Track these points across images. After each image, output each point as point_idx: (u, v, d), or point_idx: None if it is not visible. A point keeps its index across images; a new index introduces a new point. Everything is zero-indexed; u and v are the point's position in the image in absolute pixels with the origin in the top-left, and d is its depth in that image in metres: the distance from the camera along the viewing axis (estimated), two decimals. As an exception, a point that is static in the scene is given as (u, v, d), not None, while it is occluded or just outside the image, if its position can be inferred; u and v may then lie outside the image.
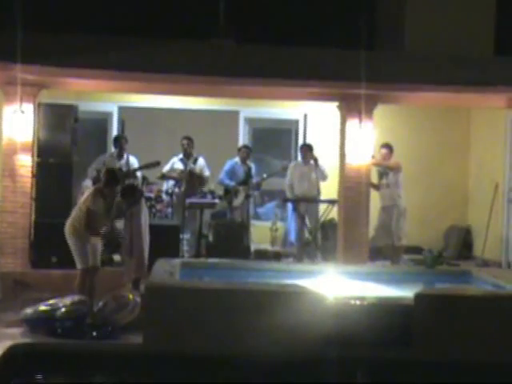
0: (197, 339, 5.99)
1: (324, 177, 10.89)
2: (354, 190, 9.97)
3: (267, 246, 11.20)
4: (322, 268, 8.40)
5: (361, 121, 9.87)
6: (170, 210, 10.72)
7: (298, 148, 11.57)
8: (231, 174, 11.04)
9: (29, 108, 9.32)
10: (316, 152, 11.01)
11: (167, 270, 6.92)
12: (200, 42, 10.74)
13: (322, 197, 10.97)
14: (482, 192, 11.73)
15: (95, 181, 10.08)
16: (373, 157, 10.23)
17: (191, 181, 10.57)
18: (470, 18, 11.95)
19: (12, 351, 5.90)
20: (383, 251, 10.62)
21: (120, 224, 8.60)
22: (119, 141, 10.60)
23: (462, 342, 6.09)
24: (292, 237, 11.76)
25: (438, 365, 5.90)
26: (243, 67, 9.83)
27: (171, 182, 10.82)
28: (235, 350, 5.89)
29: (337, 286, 7.41)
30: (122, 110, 12.01)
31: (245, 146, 11.44)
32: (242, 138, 12.34)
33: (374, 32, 13.03)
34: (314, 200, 10.83)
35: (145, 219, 8.63)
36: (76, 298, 7.46)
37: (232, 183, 10.92)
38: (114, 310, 7.29)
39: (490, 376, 5.87)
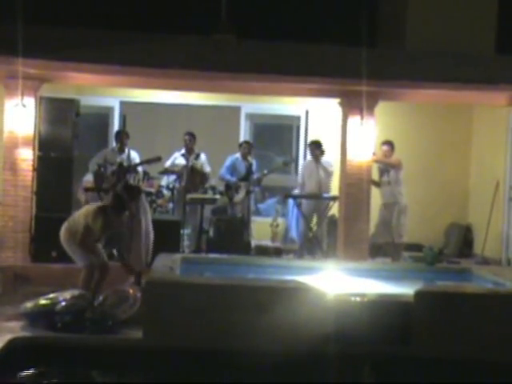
0: (196, 334, 6.00)
1: (328, 173, 10.86)
2: (355, 186, 9.96)
3: (268, 242, 11.19)
4: (323, 264, 8.40)
5: (362, 118, 9.86)
6: (170, 205, 10.72)
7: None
8: (232, 169, 11.03)
9: (30, 102, 9.32)
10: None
11: (168, 265, 6.93)
12: (201, 37, 10.72)
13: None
14: (483, 190, 11.73)
15: (96, 175, 10.10)
16: (374, 154, 10.22)
17: (192, 176, 10.57)
18: (472, 15, 11.94)
19: (12, 345, 5.90)
20: (384, 248, 10.63)
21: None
22: (120, 135, 10.60)
23: (461, 340, 6.10)
24: (293, 233, 11.76)
25: (438, 362, 5.91)
26: (245, 63, 9.82)
27: (172, 177, 10.82)
28: (235, 346, 5.90)
29: (337, 282, 7.42)
30: (123, 104, 12.01)
31: (246, 142, 11.44)
32: (243, 134, 12.34)
33: (376, 29, 13.01)
34: (314, 197, 10.81)
35: (146, 218, 8.58)
36: (76, 292, 7.45)
37: (233, 179, 10.92)
38: (114, 304, 7.28)
39: (489, 373, 5.87)
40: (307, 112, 12.25)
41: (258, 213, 12.27)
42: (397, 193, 10.46)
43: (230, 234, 10.23)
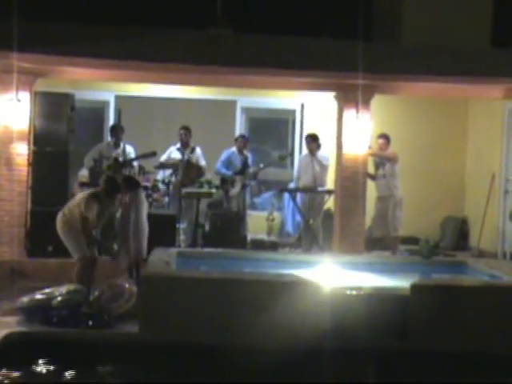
0: (192, 329, 6.00)
1: (324, 167, 10.84)
2: (350, 179, 9.96)
3: (264, 236, 11.19)
4: (319, 258, 8.40)
5: (358, 111, 9.85)
6: (166, 199, 10.71)
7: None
8: (228, 163, 11.02)
9: (25, 96, 9.29)
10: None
11: (163, 260, 6.92)
12: (197, 31, 10.70)
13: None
14: (479, 182, 11.74)
15: (92, 170, 10.08)
16: (370, 147, 10.23)
17: (188, 170, 10.55)
18: (467, 9, 11.91)
19: (8, 339, 5.90)
20: (381, 242, 10.63)
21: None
22: (116, 130, 10.57)
23: (458, 333, 6.10)
24: (289, 227, 11.76)
25: (435, 355, 5.91)
26: (240, 57, 9.81)
27: (167, 172, 10.81)
28: (231, 340, 5.90)
29: (333, 276, 7.42)
30: (118, 98, 11.99)
31: (242, 136, 11.42)
32: (239, 128, 12.33)
33: (372, 23, 12.99)
34: (310, 190, 10.81)
35: (137, 212, 8.52)
36: (72, 286, 7.46)
37: (229, 173, 10.91)
38: (110, 299, 7.29)
39: (485, 366, 5.88)
40: (303, 106, 12.24)
41: (254, 207, 12.26)
42: (392, 186, 10.46)
43: (226, 228, 10.23)
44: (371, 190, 10.43)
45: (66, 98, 9.86)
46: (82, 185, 10.02)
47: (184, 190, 10.24)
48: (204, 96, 11.96)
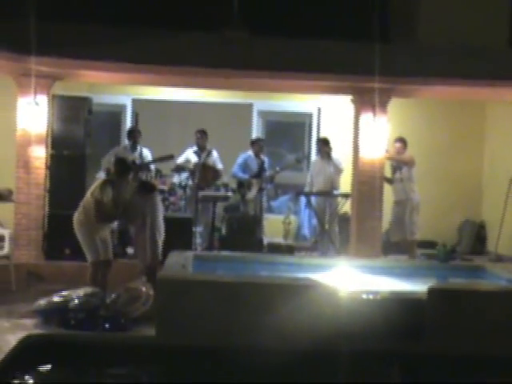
0: (209, 332, 6.00)
1: (338, 170, 10.84)
2: (367, 184, 9.94)
3: (280, 240, 11.19)
4: (335, 262, 8.38)
5: (375, 114, 9.84)
6: (183, 202, 10.73)
7: (315, 142, 11.52)
8: (244, 166, 11.03)
9: (43, 100, 9.36)
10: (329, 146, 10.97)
11: (180, 263, 6.93)
12: (213, 34, 10.71)
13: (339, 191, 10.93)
14: (496, 186, 11.66)
15: (108, 173, 10.11)
16: (386, 151, 10.20)
17: (204, 173, 10.57)
18: (485, 9, 11.82)
19: (26, 342, 5.92)
20: (397, 245, 10.59)
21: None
22: (133, 133, 10.61)
23: (474, 337, 6.07)
24: (305, 230, 11.74)
25: (451, 359, 5.88)
26: (257, 60, 9.81)
27: (184, 175, 10.83)
28: (247, 343, 5.89)
29: (349, 279, 7.40)
30: (135, 102, 12.03)
31: (258, 139, 11.43)
32: (256, 131, 12.33)
33: (388, 25, 12.94)
34: (326, 194, 10.79)
35: (152, 215, 8.52)
36: (89, 289, 7.48)
37: (245, 176, 10.92)
38: (127, 302, 7.31)
39: (502, 371, 5.84)
40: (319, 109, 12.23)
41: (271, 210, 12.27)
42: (409, 190, 10.42)
43: (243, 232, 10.24)
44: (388, 193, 10.40)
45: (84, 101, 9.92)
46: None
47: (201, 194, 10.25)
48: (220, 99, 11.97)
